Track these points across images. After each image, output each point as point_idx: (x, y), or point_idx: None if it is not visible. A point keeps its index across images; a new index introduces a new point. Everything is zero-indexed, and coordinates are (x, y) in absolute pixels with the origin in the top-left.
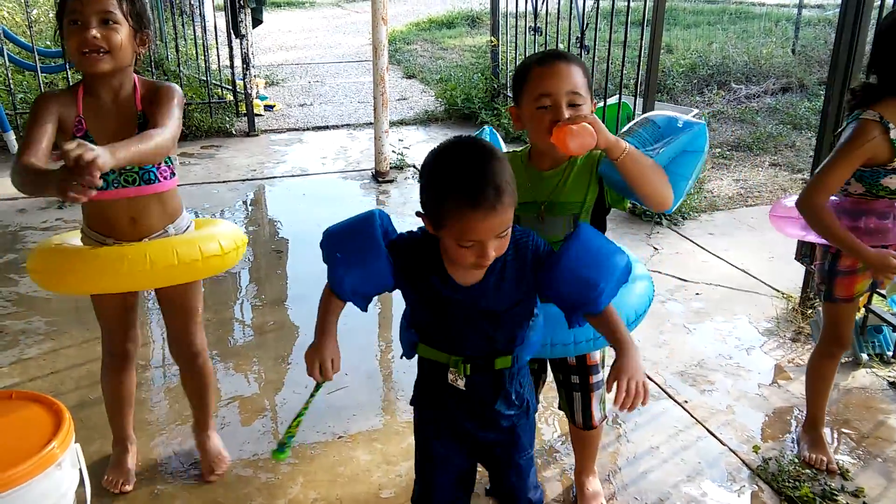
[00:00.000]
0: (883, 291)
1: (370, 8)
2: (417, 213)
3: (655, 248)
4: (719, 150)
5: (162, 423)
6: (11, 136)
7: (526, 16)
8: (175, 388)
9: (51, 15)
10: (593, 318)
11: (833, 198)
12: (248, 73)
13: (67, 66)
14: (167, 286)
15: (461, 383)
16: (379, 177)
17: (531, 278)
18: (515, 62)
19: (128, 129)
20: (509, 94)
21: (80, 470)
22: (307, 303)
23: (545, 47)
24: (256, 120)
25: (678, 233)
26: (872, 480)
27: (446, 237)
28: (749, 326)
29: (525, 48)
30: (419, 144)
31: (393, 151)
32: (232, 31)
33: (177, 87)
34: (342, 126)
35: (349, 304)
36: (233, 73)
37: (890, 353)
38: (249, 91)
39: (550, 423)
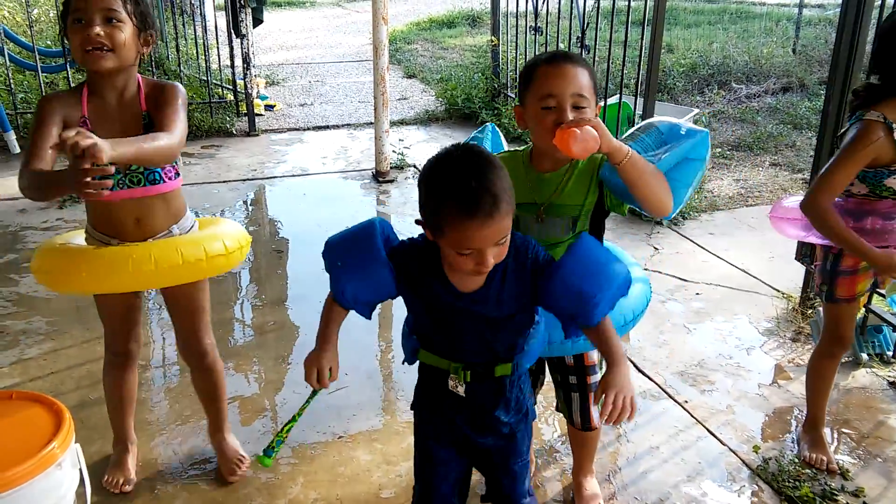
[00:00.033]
0: (882, 291)
1: (370, 7)
2: (417, 222)
3: (655, 248)
4: (720, 149)
5: (162, 424)
6: (12, 136)
7: (526, 15)
8: (175, 388)
9: (51, 14)
10: (588, 330)
11: (836, 199)
12: (248, 72)
13: (68, 66)
14: (173, 286)
15: (461, 390)
16: (379, 177)
17: (531, 286)
18: (516, 62)
19: (133, 130)
20: (510, 93)
21: (81, 470)
22: (307, 303)
23: (545, 47)
24: (257, 120)
25: (678, 233)
26: (872, 480)
27: (445, 245)
28: (749, 326)
29: (525, 48)
30: (419, 144)
31: (393, 151)
32: (232, 31)
33: (180, 86)
34: (343, 126)
35: (352, 312)
36: (233, 73)
37: (890, 353)
38: (250, 91)
39: (550, 423)
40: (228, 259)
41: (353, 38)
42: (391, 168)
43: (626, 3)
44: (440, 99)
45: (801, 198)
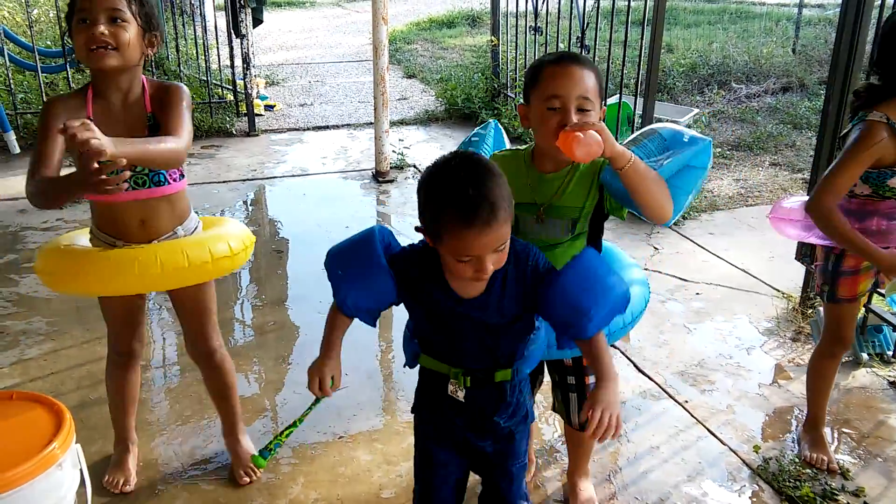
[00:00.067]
0: (882, 291)
1: (370, 7)
2: (417, 228)
3: (656, 248)
4: (720, 149)
5: (162, 424)
6: (12, 136)
7: (526, 15)
8: (175, 389)
9: (51, 15)
10: (581, 343)
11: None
12: (248, 72)
13: (68, 67)
14: (179, 288)
15: (461, 395)
16: (379, 177)
17: (532, 294)
18: (516, 62)
19: (138, 131)
20: (510, 93)
21: (81, 470)
22: (307, 303)
23: (545, 47)
24: (257, 120)
25: (678, 232)
26: (873, 480)
27: (444, 252)
28: (749, 326)
29: (525, 48)
30: (419, 144)
31: (393, 151)
32: (232, 31)
33: (184, 87)
34: (342, 126)
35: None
36: (233, 73)
37: (890, 353)
38: (250, 91)
39: (551, 423)
40: (233, 261)
41: (353, 38)
42: (391, 168)
43: (626, 2)
44: (440, 99)
45: (801, 198)
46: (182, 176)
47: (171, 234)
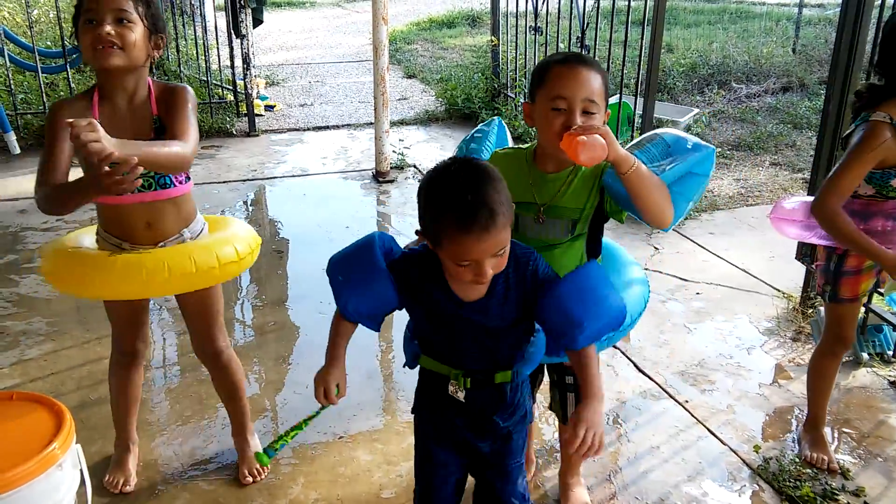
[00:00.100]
0: (881, 290)
1: (370, 8)
2: (417, 232)
3: (656, 248)
4: (720, 149)
5: (162, 424)
6: (12, 137)
7: (526, 15)
8: (175, 389)
9: (51, 15)
10: (571, 353)
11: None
12: (248, 73)
13: (68, 67)
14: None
15: (461, 395)
16: (379, 177)
17: (531, 298)
18: (516, 62)
19: (144, 133)
20: (509, 93)
21: (81, 470)
22: (307, 303)
23: (545, 47)
24: (257, 120)
25: (678, 232)
26: (873, 480)
27: (444, 256)
28: (749, 326)
29: (525, 48)
30: (419, 144)
31: (393, 151)
32: (232, 31)
33: (190, 89)
34: (343, 126)
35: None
36: (233, 74)
37: (890, 353)
38: (250, 91)
39: (551, 423)
40: (240, 265)
41: (353, 39)
42: (391, 168)
43: (626, 2)
44: (440, 99)
45: (802, 198)
46: (188, 178)
47: (178, 236)
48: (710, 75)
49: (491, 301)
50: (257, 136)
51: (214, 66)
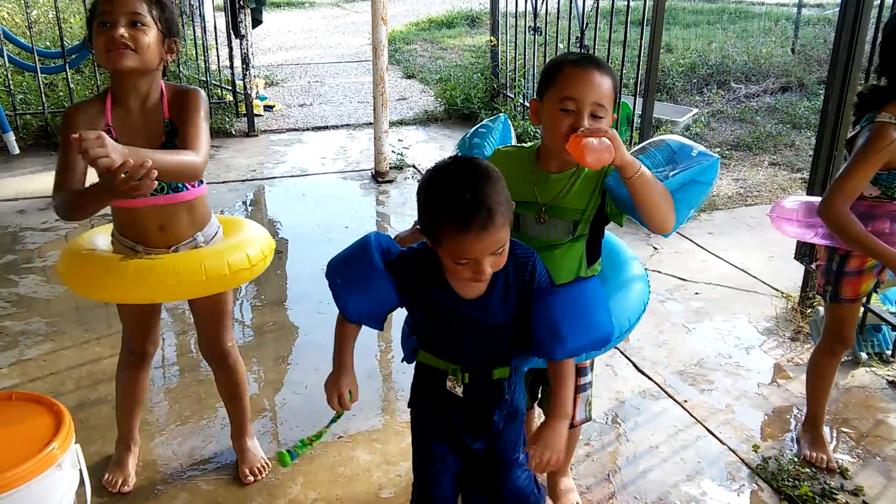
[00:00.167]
0: (878, 290)
1: (370, 8)
2: (415, 224)
3: (655, 248)
4: (719, 149)
5: (162, 424)
6: (11, 137)
7: (525, 15)
8: (175, 389)
9: (50, 16)
10: (549, 364)
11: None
12: (247, 73)
13: (67, 68)
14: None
15: (459, 391)
16: (378, 177)
17: (527, 298)
18: (515, 62)
19: (156, 137)
20: (509, 94)
21: (81, 470)
22: (307, 303)
23: (545, 47)
24: (256, 120)
25: (678, 232)
26: (872, 479)
27: (443, 255)
28: (748, 326)
29: (525, 48)
30: (419, 144)
31: (392, 151)
32: (232, 32)
33: (202, 93)
34: (342, 126)
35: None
36: (232, 74)
37: (889, 352)
38: (249, 91)
39: None
40: (252, 271)
41: (352, 39)
42: (390, 168)
43: (626, 2)
44: (439, 99)
45: (801, 197)
46: (201, 182)
47: (191, 240)
48: (709, 75)
49: (491, 299)
50: (256, 136)
51: (214, 67)
